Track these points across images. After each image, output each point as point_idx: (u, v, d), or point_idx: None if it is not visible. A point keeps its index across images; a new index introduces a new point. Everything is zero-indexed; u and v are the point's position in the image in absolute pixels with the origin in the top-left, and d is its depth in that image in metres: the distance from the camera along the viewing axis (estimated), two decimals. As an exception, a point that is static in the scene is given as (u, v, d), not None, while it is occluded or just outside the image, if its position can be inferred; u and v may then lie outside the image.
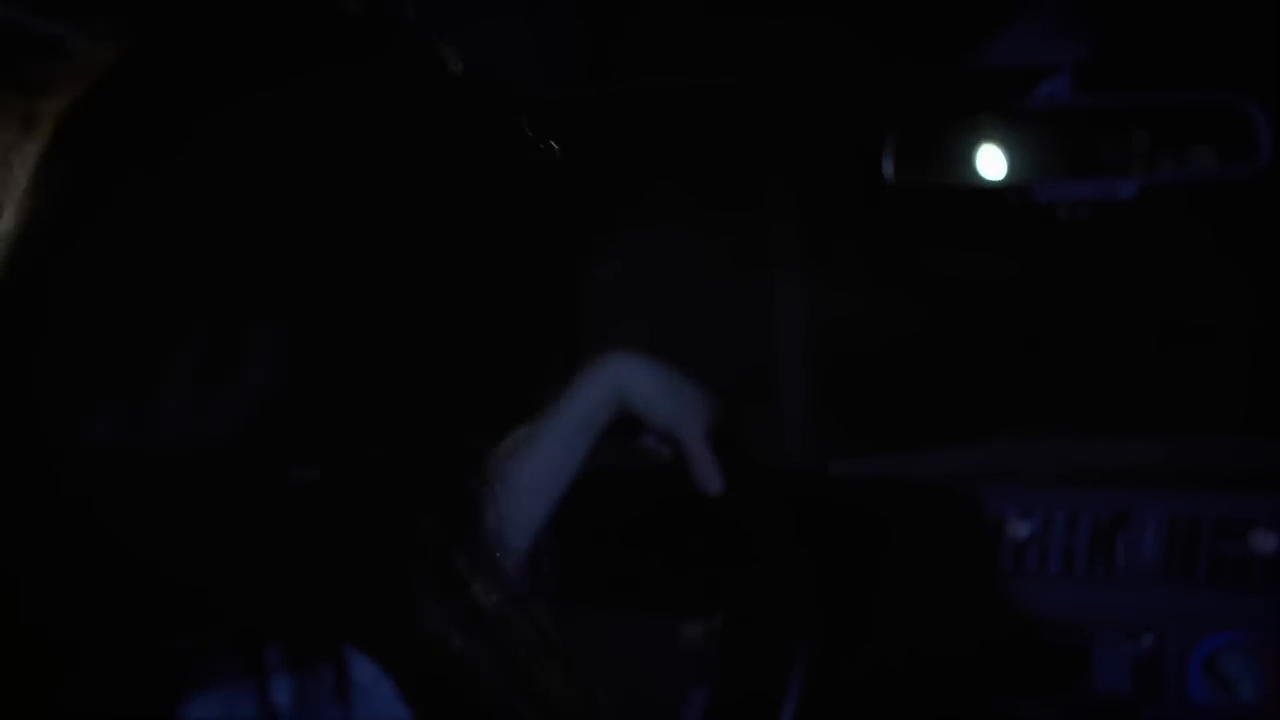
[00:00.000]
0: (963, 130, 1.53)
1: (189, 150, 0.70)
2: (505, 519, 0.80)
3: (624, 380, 1.36)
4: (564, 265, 0.80)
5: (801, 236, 2.15)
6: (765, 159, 2.12)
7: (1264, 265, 1.94)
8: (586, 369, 1.34)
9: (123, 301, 0.69)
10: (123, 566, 0.67)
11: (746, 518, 1.76)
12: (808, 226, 2.15)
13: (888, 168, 1.52)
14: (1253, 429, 1.94)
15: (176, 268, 0.69)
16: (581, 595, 1.81)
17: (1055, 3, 1.52)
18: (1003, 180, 1.49)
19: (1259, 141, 1.42)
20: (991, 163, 1.49)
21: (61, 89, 0.74)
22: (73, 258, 0.70)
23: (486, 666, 0.73)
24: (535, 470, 1.31)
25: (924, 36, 1.59)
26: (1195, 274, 1.99)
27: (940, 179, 1.55)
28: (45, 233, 0.71)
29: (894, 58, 1.65)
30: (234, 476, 0.69)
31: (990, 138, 1.51)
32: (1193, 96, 1.46)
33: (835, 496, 1.83)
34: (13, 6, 1.14)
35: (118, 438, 0.68)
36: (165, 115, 0.72)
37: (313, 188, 0.71)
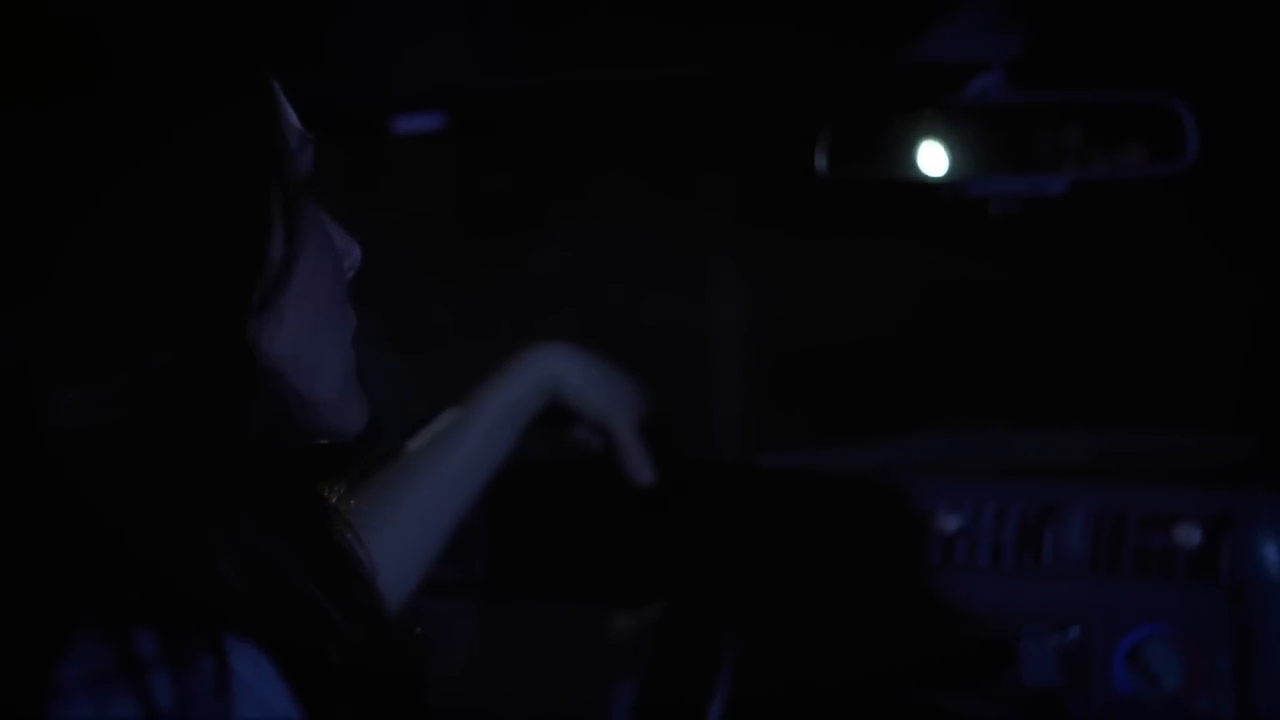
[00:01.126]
0: (894, 125, 1.53)
1: None
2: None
3: (553, 370, 1.36)
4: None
5: (737, 228, 2.16)
6: (701, 151, 2.12)
7: (1189, 261, 1.96)
8: (515, 359, 1.34)
9: None
10: None
11: (678, 509, 1.76)
12: (743, 218, 2.15)
13: (820, 162, 1.53)
14: (1178, 423, 1.96)
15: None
16: (511, 586, 1.81)
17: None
18: (943, 176, 1.50)
19: (1186, 139, 1.43)
20: (933, 159, 1.50)
21: None
22: None
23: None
24: (457, 460, 1.31)
25: (856, 31, 1.59)
26: (1123, 269, 2.01)
27: (872, 174, 1.56)
28: None
29: (826, 52, 1.66)
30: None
31: (922, 133, 1.52)
32: (1122, 94, 1.47)
33: (766, 489, 1.84)
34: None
35: None
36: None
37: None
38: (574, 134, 2.01)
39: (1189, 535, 1.62)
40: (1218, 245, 1.93)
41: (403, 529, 1.25)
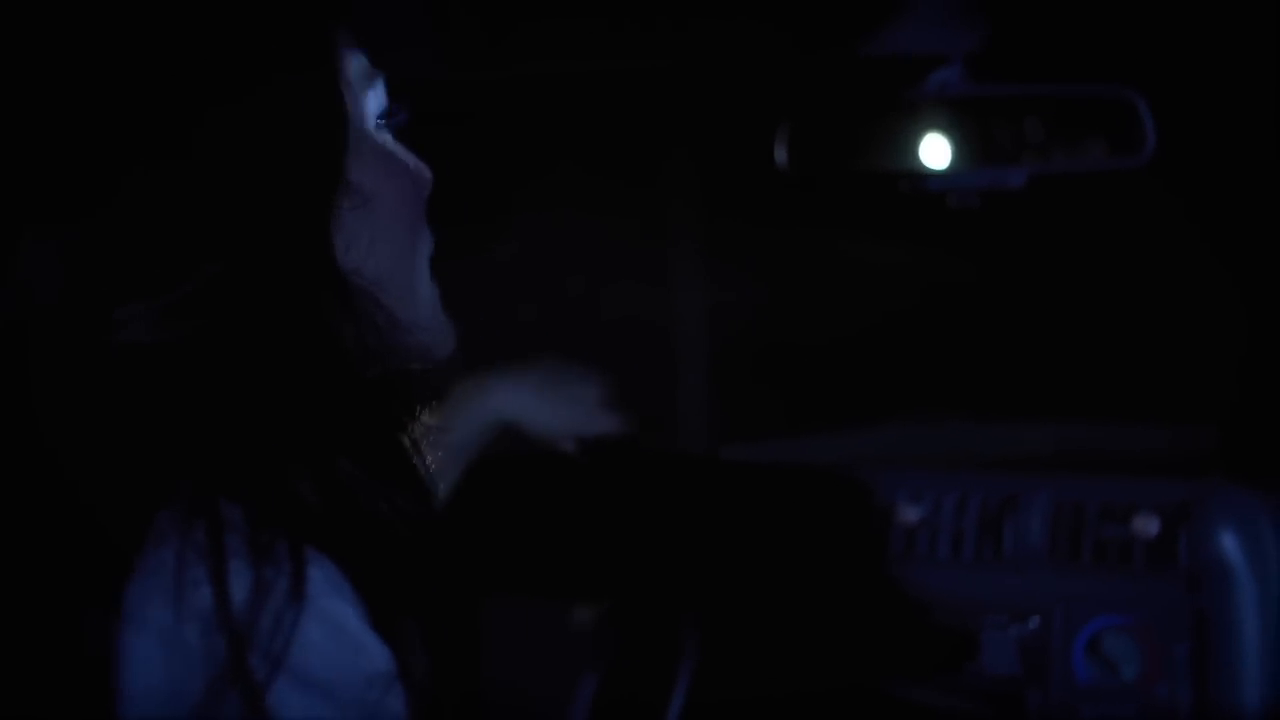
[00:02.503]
0: (854, 119, 1.54)
1: None
2: None
3: (500, 408, 1.40)
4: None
5: (700, 220, 2.16)
6: (663, 143, 2.12)
7: (1147, 254, 1.97)
8: (461, 397, 1.36)
9: None
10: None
11: (638, 502, 1.76)
12: (706, 210, 2.15)
13: (780, 155, 1.53)
14: (1136, 415, 1.97)
15: None
16: (471, 580, 1.80)
17: (947, -7, 1.54)
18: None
19: (1144, 133, 1.44)
20: (936, 153, 1.49)
21: None
22: None
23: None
24: None
25: (815, 25, 1.59)
26: (1081, 261, 2.02)
27: (832, 168, 1.56)
28: None
29: (787, 45, 1.66)
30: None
31: (882, 126, 1.52)
32: (1081, 88, 1.48)
33: (729, 481, 1.84)
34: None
35: None
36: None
37: None
38: (536, 126, 2.01)
39: (1147, 525, 1.63)
40: (1176, 239, 1.94)
41: None
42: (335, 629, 0.68)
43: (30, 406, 0.70)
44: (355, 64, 0.81)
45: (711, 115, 2.04)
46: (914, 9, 1.53)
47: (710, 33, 1.64)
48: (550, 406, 1.44)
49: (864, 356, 2.13)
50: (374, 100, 0.82)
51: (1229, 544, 1.61)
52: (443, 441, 1.34)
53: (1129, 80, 1.47)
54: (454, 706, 0.76)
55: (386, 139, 0.84)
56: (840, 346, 2.12)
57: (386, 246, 0.80)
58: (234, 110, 0.73)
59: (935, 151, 1.51)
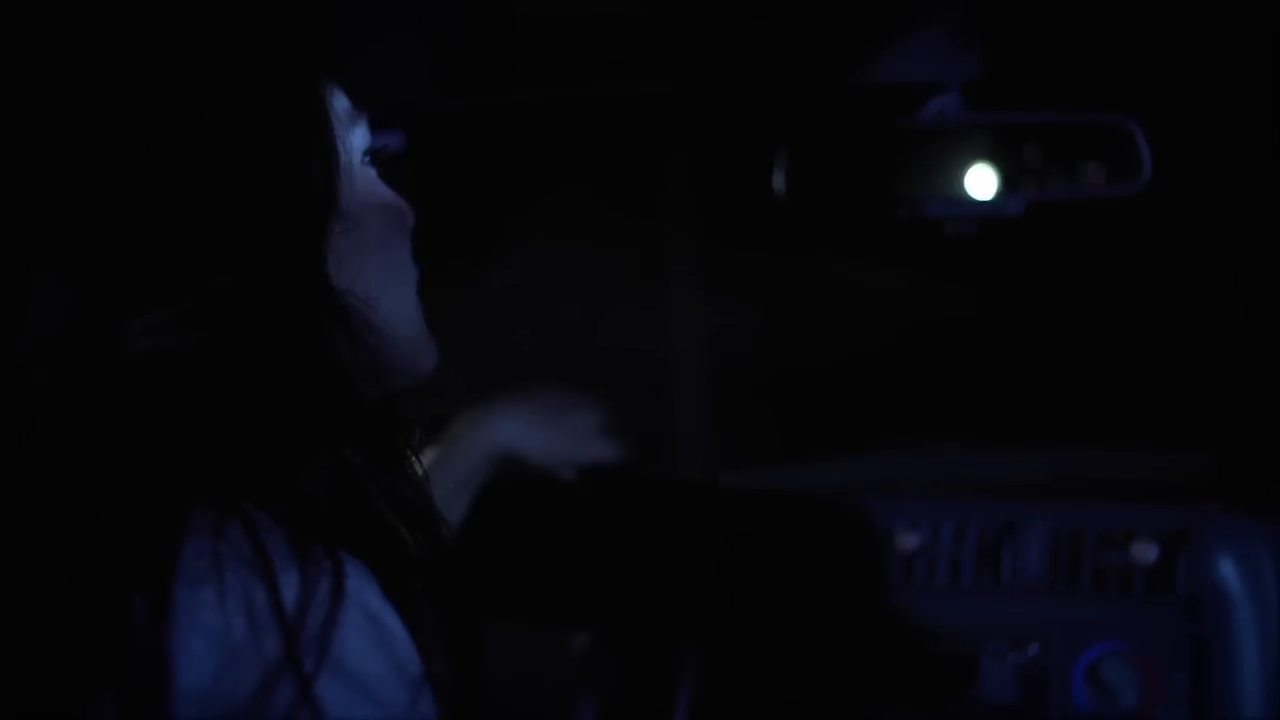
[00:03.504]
0: (852, 146, 1.54)
1: None
2: None
3: (500, 441, 1.42)
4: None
5: (697, 246, 2.16)
6: (662, 170, 2.12)
7: (1144, 281, 1.97)
8: (461, 431, 1.38)
9: None
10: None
11: (636, 528, 1.76)
12: (704, 236, 2.15)
13: (778, 182, 1.53)
14: (1134, 442, 1.97)
15: None
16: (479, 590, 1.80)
17: (945, 21, 1.54)
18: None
19: (1141, 160, 1.45)
20: (982, 182, 1.50)
21: None
22: None
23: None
24: None
25: (813, 53, 1.60)
26: (1079, 288, 2.03)
27: (830, 194, 1.56)
28: None
29: (785, 72, 1.66)
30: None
31: (880, 153, 1.52)
32: (1075, 115, 1.49)
33: (727, 508, 1.84)
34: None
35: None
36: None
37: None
38: (532, 152, 2.01)
39: (1146, 552, 1.63)
40: (1173, 265, 1.94)
41: None
42: (377, 627, 0.71)
43: (55, 416, 0.73)
44: (339, 103, 0.85)
45: (708, 142, 2.05)
46: (912, 36, 1.53)
47: (708, 59, 1.64)
48: (548, 434, 1.45)
49: (862, 383, 2.13)
50: (359, 137, 0.87)
51: (1227, 571, 1.61)
52: (445, 476, 1.36)
53: (1126, 106, 1.48)
54: (473, 711, 0.78)
55: (371, 175, 0.89)
56: (838, 372, 2.12)
57: (374, 269, 0.84)
58: (233, 135, 0.77)
59: (931, 178, 1.52)
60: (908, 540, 1.73)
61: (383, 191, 0.89)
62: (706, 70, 1.67)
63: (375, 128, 0.89)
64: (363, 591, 0.71)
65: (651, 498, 1.80)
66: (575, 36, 1.62)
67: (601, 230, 2.11)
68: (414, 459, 0.84)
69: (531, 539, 1.77)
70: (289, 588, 0.69)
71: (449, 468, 1.36)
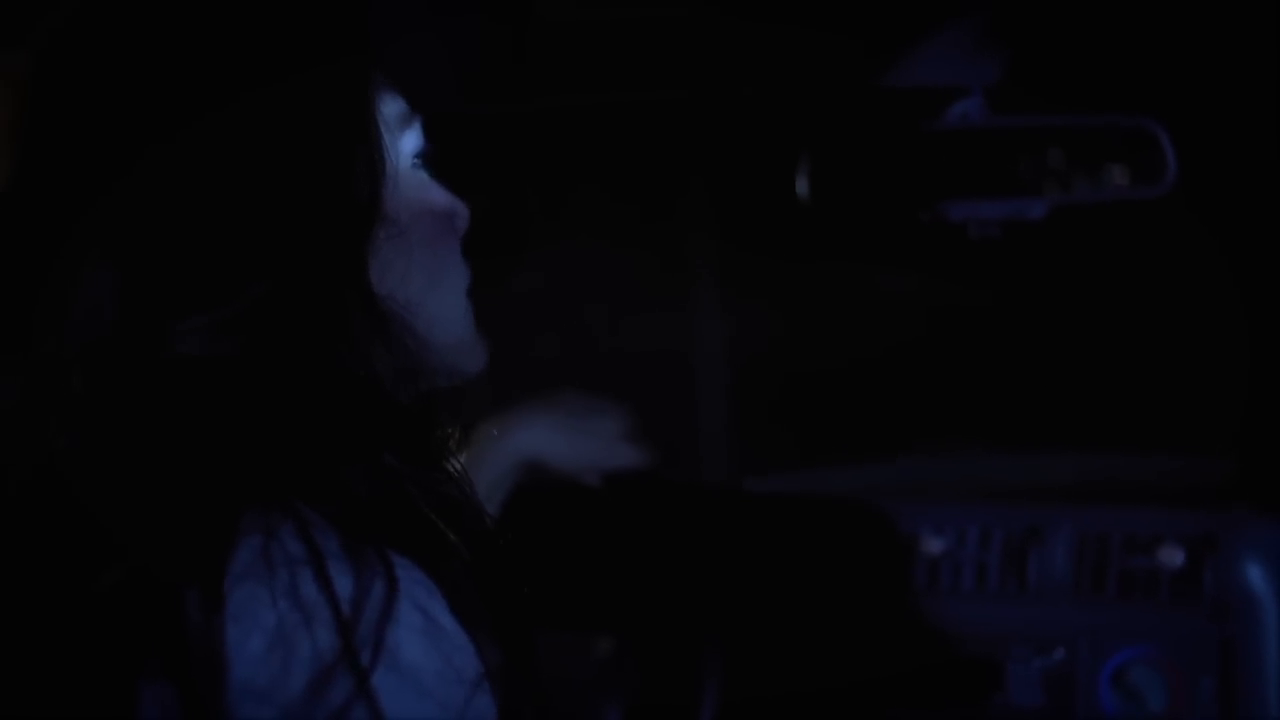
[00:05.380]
0: (875, 150, 1.54)
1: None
2: None
3: (526, 450, 1.42)
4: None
5: (718, 252, 2.16)
6: (681, 175, 2.12)
7: (1168, 283, 1.96)
8: (488, 440, 1.39)
9: None
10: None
11: (660, 533, 1.76)
12: (725, 240, 2.15)
13: (801, 186, 1.53)
14: (1160, 446, 1.96)
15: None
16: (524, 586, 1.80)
17: (968, 24, 1.54)
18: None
19: (1165, 163, 1.44)
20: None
21: None
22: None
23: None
24: None
25: (837, 57, 1.60)
26: (1104, 292, 2.02)
27: (854, 198, 1.56)
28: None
29: (807, 77, 1.66)
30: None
31: (904, 156, 1.52)
32: (1099, 119, 1.48)
33: (751, 512, 1.84)
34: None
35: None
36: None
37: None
38: (554, 158, 2.01)
39: (1172, 557, 1.62)
40: (1198, 268, 1.93)
41: None
42: (431, 624, 0.71)
43: (100, 418, 0.74)
44: (393, 107, 0.86)
45: (731, 146, 2.05)
46: (935, 40, 1.53)
47: (730, 64, 1.64)
48: (573, 440, 1.45)
49: (886, 387, 2.13)
50: (410, 141, 0.87)
51: (1254, 575, 1.60)
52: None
53: (1149, 109, 1.47)
54: (531, 707, 0.78)
55: (423, 178, 0.89)
56: (861, 377, 2.12)
57: (419, 275, 0.84)
58: (277, 141, 0.78)
59: (955, 182, 1.52)
60: (933, 545, 1.72)
61: (433, 194, 0.89)
62: (728, 75, 1.67)
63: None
64: (415, 589, 0.71)
65: (676, 503, 1.80)
66: (596, 41, 1.62)
67: (624, 235, 2.11)
68: (453, 457, 0.84)
69: (557, 545, 1.77)
70: (343, 585, 0.69)
71: (474, 475, 1.37)
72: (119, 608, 0.69)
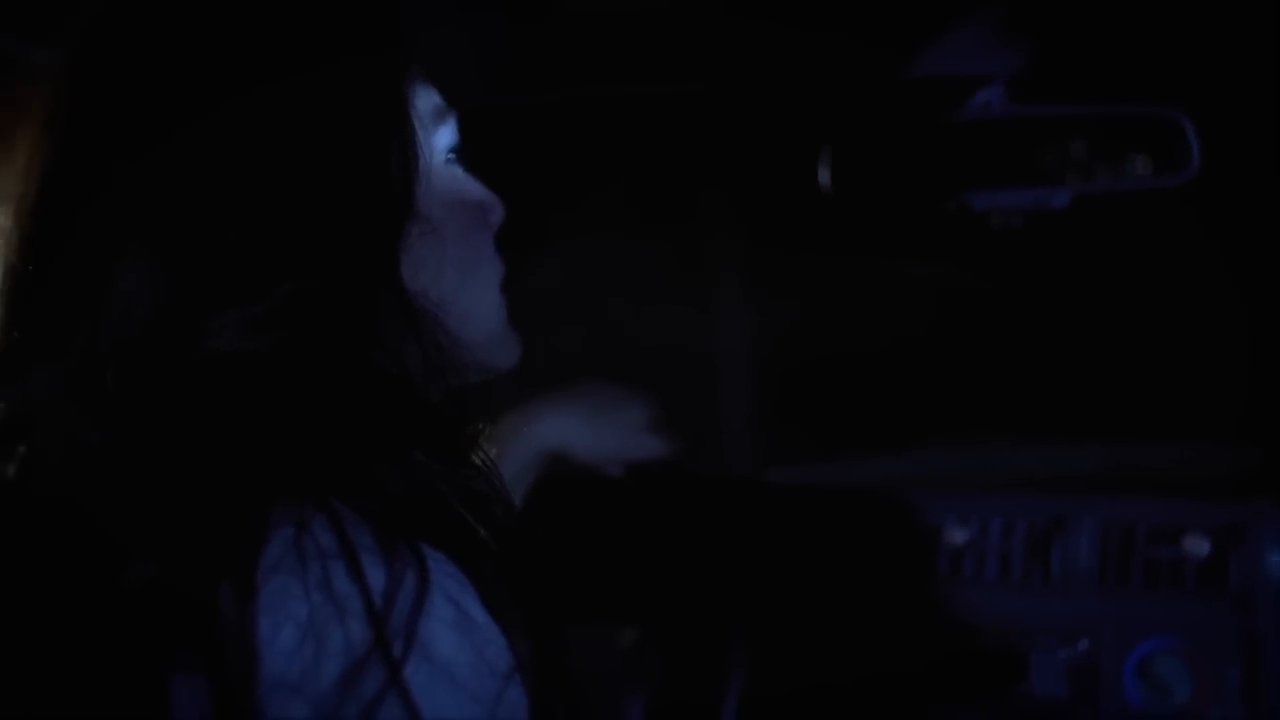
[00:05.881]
0: (897, 140, 1.54)
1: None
2: None
3: (550, 440, 1.43)
4: None
5: (740, 244, 2.16)
6: (703, 167, 2.12)
7: (1193, 273, 1.96)
8: (511, 431, 1.39)
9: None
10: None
11: (684, 525, 1.76)
12: (746, 234, 2.15)
13: (824, 177, 1.53)
14: (1185, 436, 1.95)
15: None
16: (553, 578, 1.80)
17: (989, 14, 1.54)
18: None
19: (1189, 151, 1.43)
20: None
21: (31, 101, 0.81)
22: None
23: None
24: None
25: (858, 47, 1.59)
26: (1127, 282, 2.01)
27: (876, 189, 1.56)
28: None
29: (829, 68, 1.66)
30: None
31: (926, 147, 1.52)
32: (1122, 108, 1.48)
33: (774, 504, 1.84)
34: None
35: None
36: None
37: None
38: (575, 150, 2.01)
39: (1197, 547, 1.62)
40: (1222, 258, 1.92)
41: None
42: (463, 618, 0.71)
43: (133, 413, 0.74)
44: (428, 101, 0.86)
45: (753, 138, 2.04)
46: (956, 30, 1.53)
47: (753, 55, 1.64)
48: (596, 432, 1.45)
49: (909, 378, 2.12)
50: (446, 136, 0.88)
51: (1280, 566, 1.60)
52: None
53: (1172, 98, 1.46)
54: (563, 700, 0.78)
55: (457, 172, 0.89)
56: (884, 368, 2.12)
57: (453, 271, 0.85)
58: (311, 138, 0.79)
59: (977, 172, 1.51)
60: (956, 535, 1.72)
61: (468, 189, 0.90)
62: (750, 67, 1.67)
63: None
64: (447, 582, 0.71)
65: (699, 494, 1.80)
66: (617, 33, 1.62)
67: (647, 228, 2.11)
68: (481, 452, 0.84)
69: (580, 536, 1.78)
70: (375, 577, 0.69)
71: (499, 466, 1.37)
72: (151, 600, 0.69)
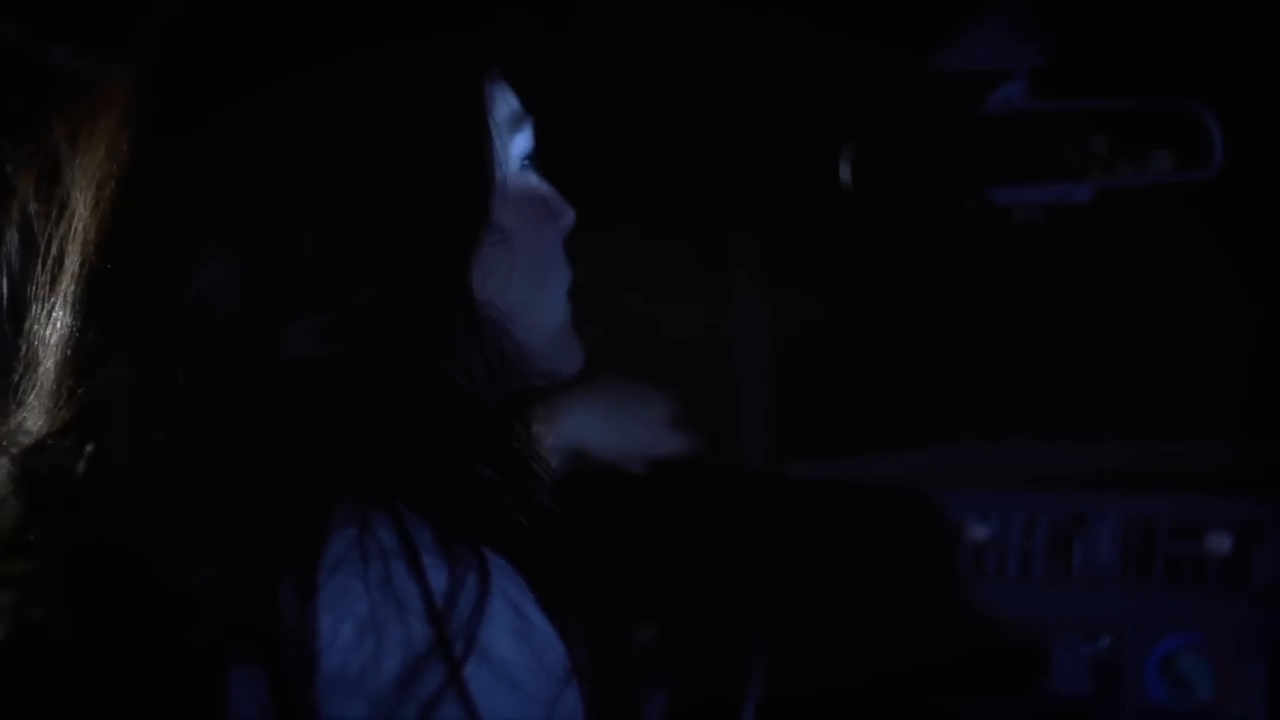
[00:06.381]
0: (919, 135, 1.53)
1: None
2: None
3: (572, 436, 1.43)
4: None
5: (760, 241, 2.16)
6: (722, 163, 2.12)
7: (1215, 267, 1.95)
8: (535, 428, 1.40)
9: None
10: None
11: (704, 520, 1.76)
12: (766, 231, 2.15)
13: (844, 173, 1.53)
14: (1206, 431, 1.95)
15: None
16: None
17: (1011, 8, 1.53)
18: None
19: (1211, 146, 1.43)
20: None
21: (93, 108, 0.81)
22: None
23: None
24: None
25: (880, 41, 1.59)
26: (1149, 277, 2.01)
27: (896, 184, 1.56)
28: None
29: (850, 63, 1.66)
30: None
31: (947, 141, 1.52)
32: (1144, 102, 1.47)
33: (794, 500, 1.84)
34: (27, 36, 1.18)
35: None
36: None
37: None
38: (595, 146, 2.01)
39: (1219, 543, 1.62)
40: (1245, 252, 1.92)
41: None
42: (522, 621, 0.71)
43: (203, 414, 0.74)
44: (506, 107, 0.86)
45: (772, 134, 2.04)
46: (977, 25, 1.52)
47: (773, 50, 1.64)
48: (617, 427, 1.45)
49: (929, 374, 2.12)
50: (521, 142, 0.88)
51: (1303, 561, 1.59)
52: None
53: (1194, 92, 1.46)
54: (618, 704, 0.79)
55: (531, 178, 0.89)
56: (905, 363, 2.11)
57: (521, 280, 0.85)
58: (391, 148, 0.78)
59: (998, 167, 1.51)
60: (977, 531, 1.72)
61: (541, 195, 0.90)
62: (771, 62, 1.67)
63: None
64: (507, 585, 0.71)
65: (720, 490, 1.80)
66: (636, 28, 1.62)
67: (666, 224, 2.11)
68: (538, 459, 0.84)
69: (599, 531, 1.78)
70: (436, 578, 0.69)
71: None
72: (212, 597, 0.69)
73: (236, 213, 0.76)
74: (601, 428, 1.45)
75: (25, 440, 0.79)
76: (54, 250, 0.80)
